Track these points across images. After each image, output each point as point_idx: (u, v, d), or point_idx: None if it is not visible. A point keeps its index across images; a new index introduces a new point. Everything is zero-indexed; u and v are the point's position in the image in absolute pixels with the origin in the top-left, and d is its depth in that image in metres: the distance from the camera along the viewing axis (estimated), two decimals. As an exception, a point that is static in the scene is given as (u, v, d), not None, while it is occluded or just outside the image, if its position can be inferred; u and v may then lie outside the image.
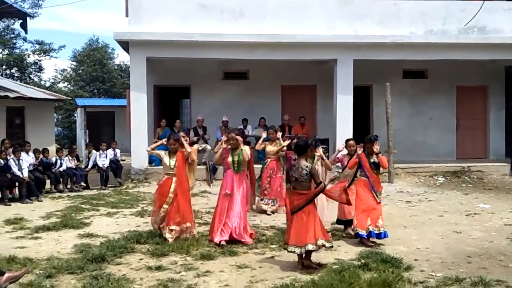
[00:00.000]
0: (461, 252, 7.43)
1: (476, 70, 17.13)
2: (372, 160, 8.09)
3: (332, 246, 6.90)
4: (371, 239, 7.86)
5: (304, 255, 6.60)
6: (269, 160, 10.84)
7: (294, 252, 6.61)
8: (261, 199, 10.53)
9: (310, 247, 6.51)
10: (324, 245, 6.62)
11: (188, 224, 8.13)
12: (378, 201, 8.05)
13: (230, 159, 8.16)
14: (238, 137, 8.22)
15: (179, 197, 8.09)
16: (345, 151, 8.92)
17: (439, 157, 16.79)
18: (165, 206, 8.01)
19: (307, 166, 6.68)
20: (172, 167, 8.12)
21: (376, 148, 8.10)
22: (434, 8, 15.40)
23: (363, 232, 7.88)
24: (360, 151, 8.32)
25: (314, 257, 6.74)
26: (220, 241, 7.71)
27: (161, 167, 8.88)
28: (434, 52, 15.26)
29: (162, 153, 8.35)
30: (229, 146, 8.23)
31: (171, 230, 7.95)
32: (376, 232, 7.87)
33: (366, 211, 7.96)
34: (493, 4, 15.37)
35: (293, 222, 6.66)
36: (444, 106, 17.54)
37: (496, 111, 17.78)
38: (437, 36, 15.25)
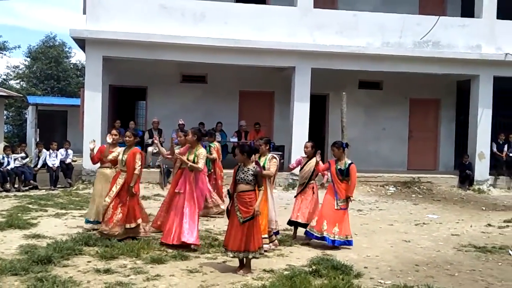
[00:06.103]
0: (409, 260, 7.58)
1: (429, 83, 17.57)
2: (338, 167, 8.24)
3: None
4: (326, 244, 8.00)
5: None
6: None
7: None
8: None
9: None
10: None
11: (133, 225, 7.98)
12: (336, 207, 8.12)
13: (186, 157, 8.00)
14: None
15: (124, 194, 7.98)
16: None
17: (391, 167, 17.14)
18: (107, 199, 7.98)
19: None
20: (124, 163, 8.04)
21: (318, 157, 8.44)
22: (392, 21, 15.67)
23: (317, 234, 8.03)
24: (318, 157, 8.46)
25: (266, 262, 6.73)
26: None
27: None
28: (389, 64, 15.55)
29: (117, 148, 8.38)
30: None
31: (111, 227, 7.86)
32: (331, 238, 7.99)
33: (324, 216, 8.11)
34: (448, 20, 15.88)
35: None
36: (397, 118, 17.93)
37: (447, 124, 18.30)
38: (393, 48, 15.54)
